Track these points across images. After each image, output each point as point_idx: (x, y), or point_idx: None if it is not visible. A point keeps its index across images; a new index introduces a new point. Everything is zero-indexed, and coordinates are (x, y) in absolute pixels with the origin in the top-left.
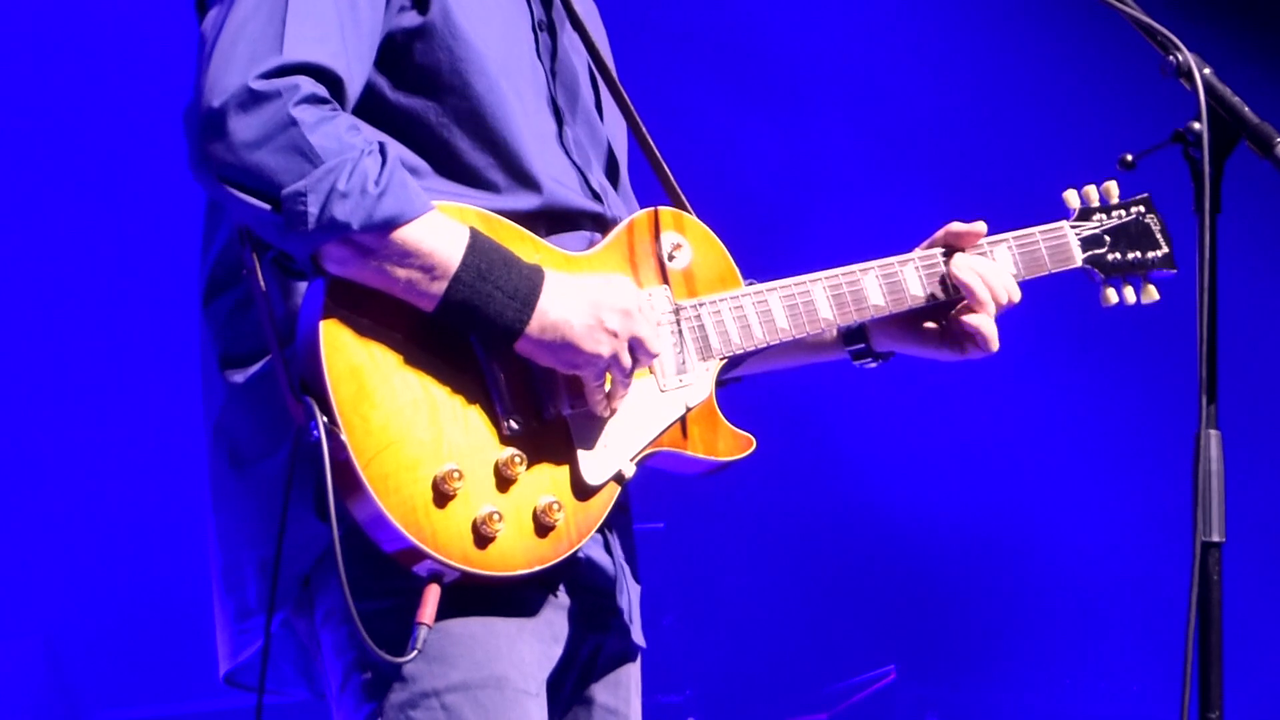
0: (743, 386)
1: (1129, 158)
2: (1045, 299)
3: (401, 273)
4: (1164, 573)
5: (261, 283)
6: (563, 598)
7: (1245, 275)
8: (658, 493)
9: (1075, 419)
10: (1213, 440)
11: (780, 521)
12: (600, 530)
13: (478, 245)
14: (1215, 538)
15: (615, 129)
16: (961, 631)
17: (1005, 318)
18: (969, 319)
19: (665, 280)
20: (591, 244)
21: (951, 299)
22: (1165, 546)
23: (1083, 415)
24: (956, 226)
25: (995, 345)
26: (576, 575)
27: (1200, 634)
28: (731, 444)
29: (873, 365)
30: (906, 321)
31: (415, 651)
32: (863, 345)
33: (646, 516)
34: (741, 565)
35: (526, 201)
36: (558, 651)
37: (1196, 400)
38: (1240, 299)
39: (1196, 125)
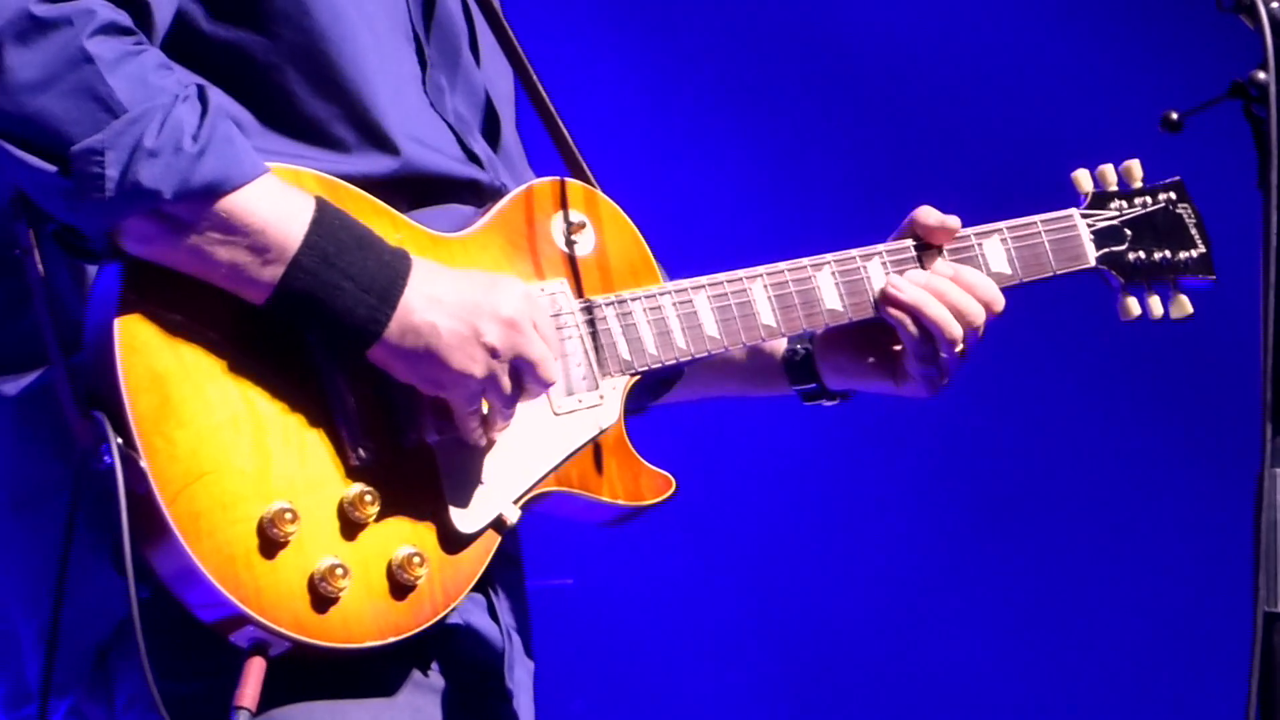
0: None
1: (1174, 116)
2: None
3: (224, 253)
4: (1193, 652)
5: (40, 266)
6: (435, 678)
7: None
8: (564, 539)
9: (1092, 460)
10: None
11: (727, 577)
12: (483, 589)
13: (325, 221)
14: None
15: (496, 77)
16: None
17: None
18: (904, 323)
19: (561, 271)
20: (467, 222)
21: None
22: (1203, 617)
23: (1101, 454)
24: (926, 216)
25: (931, 360)
26: (453, 649)
27: None
28: (645, 485)
29: (831, 404)
30: (858, 349)
31: None
32: (814, 385)
33: (549, 569)
34: (676, 633)
35: (380, 165)
36: None
37: (1257, 430)
38: None
39: (1262, 75)
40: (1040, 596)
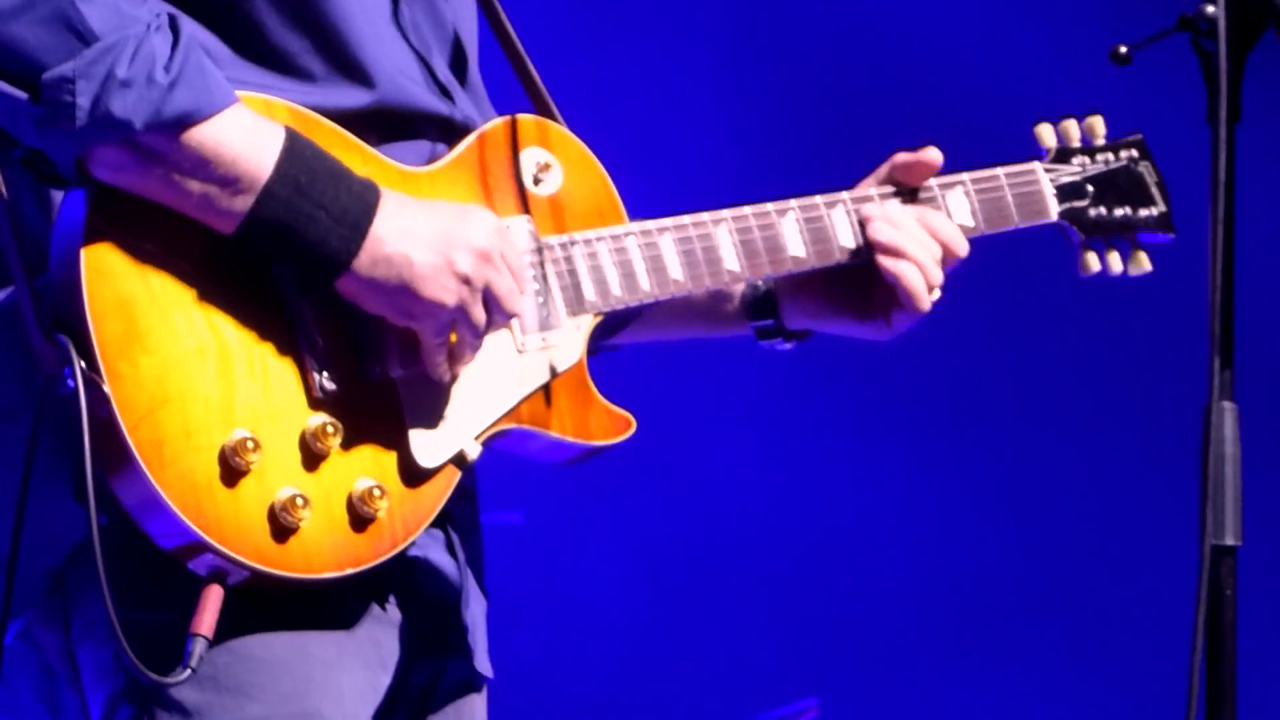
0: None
1: (1123, 49)
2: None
3: (195, 185)
4: (1141, 585)
5: (3, 189)
6: (393, 612)
7: (1273, 202)
8: (512, 474)
9: (1032, 402)
10: (1227, 415)
11: (671, 514)
12: (440, 525)
13: (296, 151)
14: (1229, 540)
15: (461, 13)
16: (891, 652)
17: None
18: (888, 263)
19: (526, 209)
20: (433, 157)
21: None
22: (1151, 550)
23: (1044, 397)
24: (902, 157)
25: (924, 302)
26: (411, 583)
27: (1209, 665)
28: (605, 424)
29: (786, 347)
30: (826, 286)
31: (188, 670)
32: (771, 321)
33: (498, 504)
34: (622, 569)
35: (353, 97)
36: (386, 681)
37: (1204, 365)
38: (1267, 235)
39: (1210, 8)
40: (1003, 537)
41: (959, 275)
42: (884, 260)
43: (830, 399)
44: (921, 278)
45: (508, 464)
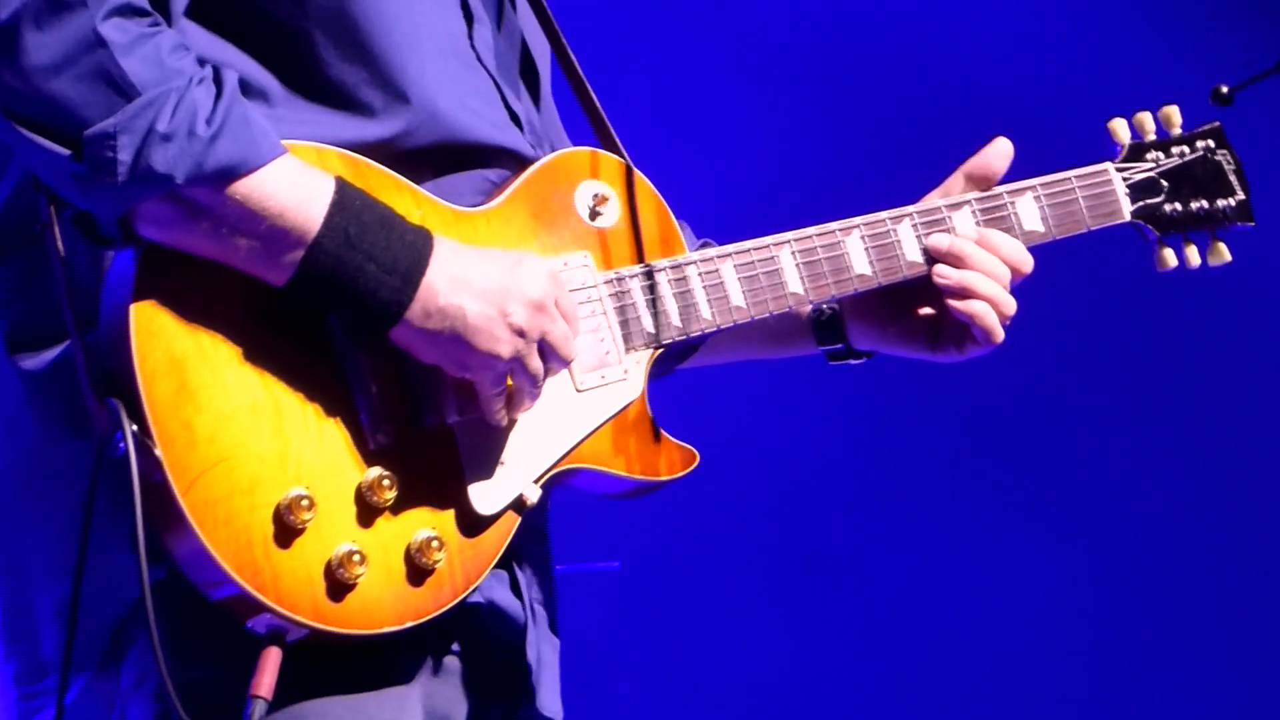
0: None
1: (1224, 90)
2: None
3: (242, 240)
4: (1239, 593)
5: (60, 244)
6: (453, 661)
7: None
8: (609, 520)
9: (1124, 417)
10: None
11: (776, 560)
12: (506, 564)
13: (346, 201)
14: None
15: (533, 33)
16: (1004, 702)
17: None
18: (959, 305)
19: (587, 243)
20: (495, 190)
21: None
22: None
23: (1136, 409)
24: (973, 162)
25: (999, 336)
26: (475, 627)
27: None
28: (670, 459)
29: (855, 363)
30: (893, 312)
31: None
32: (840, 346)
33: (597, 553)
34: (723, 617)
35: (409, 129)
36: None
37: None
38: None
39: None
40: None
41: (1051, 277)
42: (955, 304)
43: (937, 436)
44: (995, 314)
45: (602, 507)
